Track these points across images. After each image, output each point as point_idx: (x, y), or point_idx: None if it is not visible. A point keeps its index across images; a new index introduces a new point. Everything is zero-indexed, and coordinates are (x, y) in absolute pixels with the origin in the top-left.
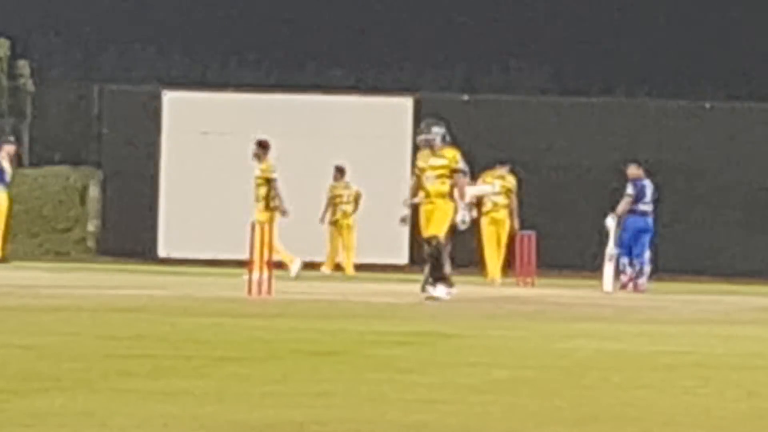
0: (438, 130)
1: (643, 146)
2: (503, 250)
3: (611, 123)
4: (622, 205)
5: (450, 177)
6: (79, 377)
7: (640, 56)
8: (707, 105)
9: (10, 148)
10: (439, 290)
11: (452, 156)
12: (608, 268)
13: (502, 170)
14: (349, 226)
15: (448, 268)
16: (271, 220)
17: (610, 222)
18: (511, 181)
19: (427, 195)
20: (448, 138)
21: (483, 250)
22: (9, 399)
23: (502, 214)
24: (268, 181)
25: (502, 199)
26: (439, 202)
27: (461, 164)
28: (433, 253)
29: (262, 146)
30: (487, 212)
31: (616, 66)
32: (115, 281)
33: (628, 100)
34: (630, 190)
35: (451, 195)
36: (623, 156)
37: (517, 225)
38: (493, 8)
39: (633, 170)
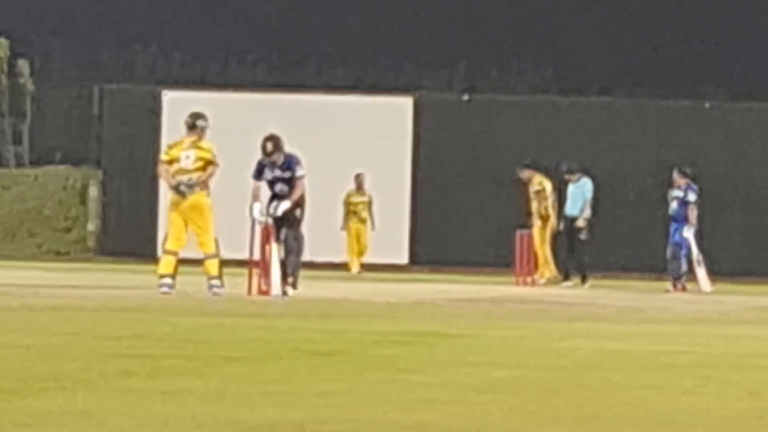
0: (203, 123)
1: (643, 146)
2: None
3: (611, 123)
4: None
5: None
6: (79, 377)
7: (640, 56)
8: (707, 105)
9: None
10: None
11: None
12: (701, 272)
13: (527, 172)
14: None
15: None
16: None
17: (686, 232)
18: (543, 182)
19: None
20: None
21: (536, 252)
22: (9, 399)
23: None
24: None
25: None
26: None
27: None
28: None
29: None
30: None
31: (616, 66)
32: (115, 281)
33: (628, 100)
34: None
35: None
36: (623, 156)
37: (554, 220)
38: (493, 8)
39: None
